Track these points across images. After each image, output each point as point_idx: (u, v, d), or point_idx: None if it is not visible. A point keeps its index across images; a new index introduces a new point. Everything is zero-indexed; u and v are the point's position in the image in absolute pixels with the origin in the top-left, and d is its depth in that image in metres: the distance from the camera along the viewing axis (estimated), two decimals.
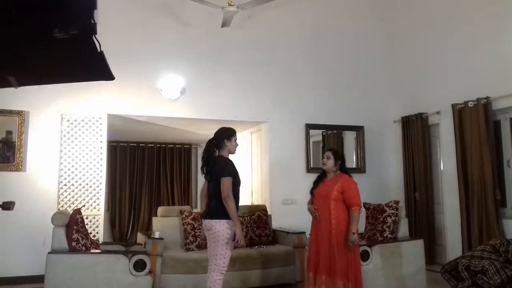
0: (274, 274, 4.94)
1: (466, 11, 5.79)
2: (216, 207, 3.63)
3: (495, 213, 5.08)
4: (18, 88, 1.67)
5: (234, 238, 3.54)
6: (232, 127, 3.90)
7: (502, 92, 5.13)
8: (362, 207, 3.96)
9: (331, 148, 4.43)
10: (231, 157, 3.85)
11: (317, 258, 3.84)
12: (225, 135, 3.79)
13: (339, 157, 4.04)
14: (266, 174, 6.59)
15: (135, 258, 3.95)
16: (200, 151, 8.30)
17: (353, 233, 3.69)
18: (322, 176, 4.08)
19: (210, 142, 3.83)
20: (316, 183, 4.08)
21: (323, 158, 4.09)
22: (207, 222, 3.65)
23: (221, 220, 3.56)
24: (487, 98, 5.25)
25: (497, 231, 5.00)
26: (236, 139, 3.85)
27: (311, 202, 4.07)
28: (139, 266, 3.94)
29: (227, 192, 3.56)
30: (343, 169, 4.01)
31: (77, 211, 4.25)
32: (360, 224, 5.11)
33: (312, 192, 4.06)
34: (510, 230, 5.02)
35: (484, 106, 5.26)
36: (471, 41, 5.67)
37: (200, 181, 8.48)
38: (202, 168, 3.82)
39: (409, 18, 6.87)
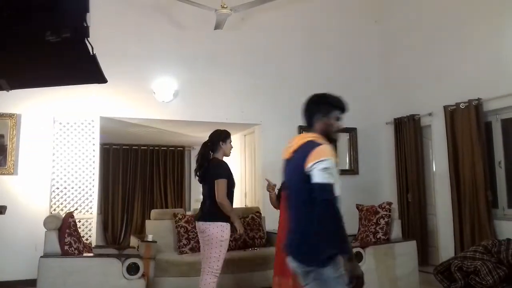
0: (268, 276, 4.92)
1: (458, 14, 5.83)
2: (210, 209, 3.64)
3: (487, 214, 5.11)
4: (10, 91, 1.66)
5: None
6: (225, 129, 3.91)
7: (493, 94, 5.17)
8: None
9: None
10: (225, 159, 3.86)
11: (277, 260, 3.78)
12: (221, 138, 3.80)
13: None
14: (259, 176, 6.59)
15: (128, 261, 3.93)
16: (194, 153, 8.31)
17: None
18: None
19: (205, 145, 3.83)
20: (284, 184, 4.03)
21: None
22: (200, 225, 3.65)
23: (215, 223, 3.56)
24: (478, 99, 5.29)
25: (489, 231, 5.03)
26: (231, 141, 3.86)
27: (276, 204, 4.04)
28: (132, 269, 3.92)
29: (221, 194, 3.56)
30: None
31: (70, 215, 4.23)
32: (353, 225, 5.18)
33: (279, 193, 3.99)
34: (502, 230, 5.04)
35: (476, 108, 5.29)
36: (463, 43, 5.71)
37: (193, 183, 8.46)
38: (196, 170, 3.82)
39: (402, 20, 6.91)
